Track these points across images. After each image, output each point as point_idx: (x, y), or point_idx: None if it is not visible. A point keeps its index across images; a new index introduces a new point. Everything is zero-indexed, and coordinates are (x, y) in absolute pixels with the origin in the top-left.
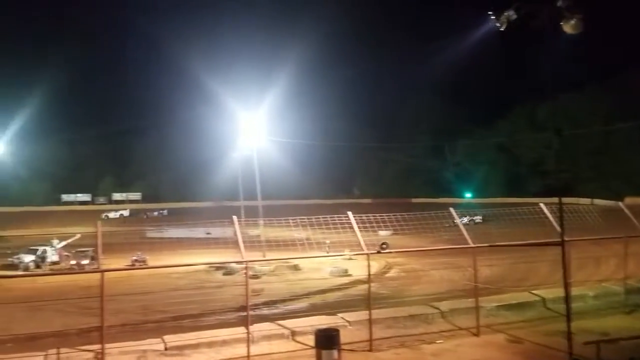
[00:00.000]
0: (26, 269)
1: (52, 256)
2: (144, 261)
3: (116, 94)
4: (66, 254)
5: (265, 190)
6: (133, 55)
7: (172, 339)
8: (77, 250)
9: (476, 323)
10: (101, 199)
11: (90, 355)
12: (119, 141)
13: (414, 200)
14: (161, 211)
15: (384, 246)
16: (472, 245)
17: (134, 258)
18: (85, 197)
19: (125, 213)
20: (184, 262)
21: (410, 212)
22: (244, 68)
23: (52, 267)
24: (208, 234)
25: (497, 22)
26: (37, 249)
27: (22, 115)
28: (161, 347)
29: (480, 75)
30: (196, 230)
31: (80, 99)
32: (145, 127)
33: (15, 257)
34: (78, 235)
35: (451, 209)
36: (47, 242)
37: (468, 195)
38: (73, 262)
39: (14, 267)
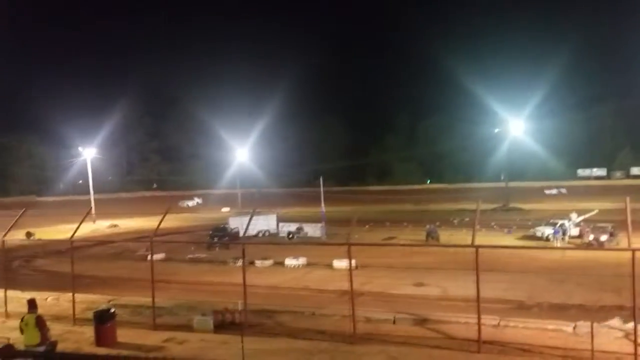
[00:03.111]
0: (546, 241)
1: (572, 230)
2: None
3: None
4: (587, 229)
5: None
6: None
7: None
8: (596, 225)
9: None
10: (618, 174)
11: (620, 334)
12: (637, 113)
13: None
14: None
15: None
16: None
17: None
18: (601, 171)
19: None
20: None
21: None
22: None
23: (572, 241)
24: None
25: None
26: (557, 222)
27: (540, 94)
28: None
29: None
30: None
31: (593, 74)
32: None
33: (537, 229)
34: (596, 211)
35: None
36: (565, 216)
37: None
38: (591, 237)
39: (535, 238)
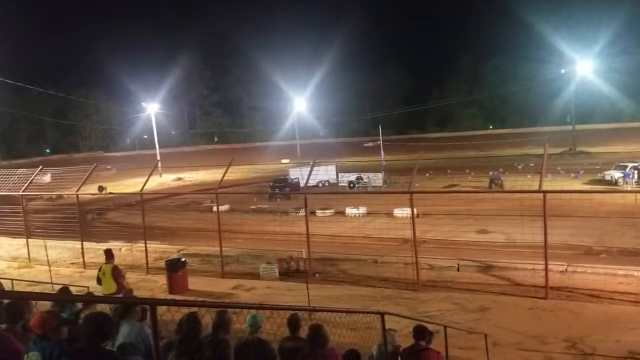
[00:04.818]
0: (615, 184)
1: None
2: None
3: None
4: None
5: None
6: None
7: None
8: None
9: None
10: None
11: None
12: None
13: None
14: None
15: None
16: None
17: None
18: None
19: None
20: None
21: None
22: None
23: None
24: None
25: None
26: (627, 165)
27: (612, 30)
28: None
29: None
30: None
31: None
32: None
33: (605, 172)
34: None
35: None
36: (636, 159)
37: None
38: None
39: (604, 182)
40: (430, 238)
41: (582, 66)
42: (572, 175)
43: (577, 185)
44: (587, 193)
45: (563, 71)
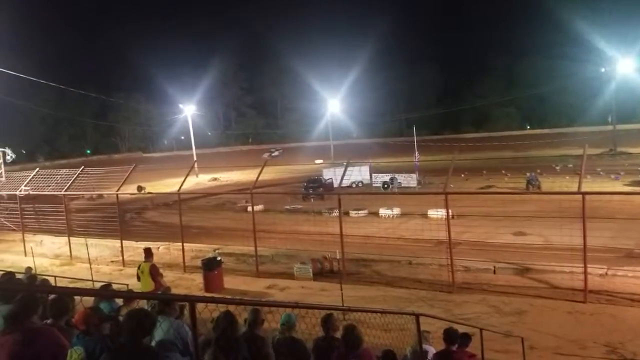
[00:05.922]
0: None
1: None
2: None
3: None
4: None
5: None
6: None
7: None
8: None
9: None
10: None
11: None
12: None
13: None
14: None
15: None
16: None
17: None
18: None
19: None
20: None
21: None
22: None
23: None
24: None
25: None
26: None
27: None
28: None
29: None
30: None
31: None
32: None
33: None
34: None
35: None
36: None
37: None
38: None
39: None
40: (466, 240)
41: (624, 64)
42: (613, 176)
43: (618, 186)
44: (629, 194)
45: (603, 70)
